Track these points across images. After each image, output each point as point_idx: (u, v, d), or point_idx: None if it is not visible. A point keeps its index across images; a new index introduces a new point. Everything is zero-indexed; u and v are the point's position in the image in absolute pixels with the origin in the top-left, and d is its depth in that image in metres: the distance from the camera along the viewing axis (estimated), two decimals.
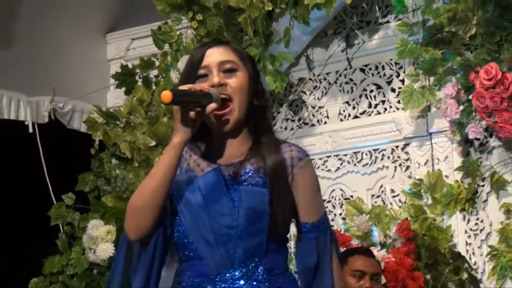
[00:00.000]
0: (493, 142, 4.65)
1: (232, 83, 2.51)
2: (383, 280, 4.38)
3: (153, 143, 5.26)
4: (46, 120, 5.72)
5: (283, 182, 2.50)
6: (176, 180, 2.48)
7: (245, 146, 2.55)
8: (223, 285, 2.44)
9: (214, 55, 2.53)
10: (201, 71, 2.52)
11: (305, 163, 2.54)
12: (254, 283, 2.44)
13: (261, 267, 2.45)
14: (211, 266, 2.45)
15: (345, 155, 5.15)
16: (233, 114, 2.50)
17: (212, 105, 2.44)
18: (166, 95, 2.35)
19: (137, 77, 5.52)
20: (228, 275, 2.44)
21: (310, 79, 5.31)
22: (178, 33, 5.33)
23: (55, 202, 5.54)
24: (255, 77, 2.58)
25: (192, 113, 2.43)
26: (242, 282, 2.44)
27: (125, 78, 5.53)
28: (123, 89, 5.57)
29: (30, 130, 5.62)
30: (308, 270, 2.54)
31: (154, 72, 5.46)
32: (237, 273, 2.44)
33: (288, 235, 2.58)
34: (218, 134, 2.55)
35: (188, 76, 2.54)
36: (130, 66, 5.57)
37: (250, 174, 2.49)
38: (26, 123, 5.60)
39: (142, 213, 2.45)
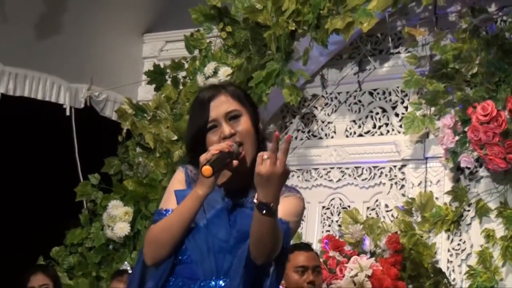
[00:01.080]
0: (482, 172, 4.63)
1: (239, 130, 2.51)
2: (368, 285, 4.39)
3: (175, 137, 5.27)
4: (82, 106, 5.74)
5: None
6: (179, 192, 2.52)
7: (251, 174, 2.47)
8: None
9: (219, 107, 2.51)
10: (210, 124, 2.50)
11: (292, 195, 2.52)
12: None
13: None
14: (199, 271, 2.46)
15: (347, 168, 5.15)
16: (247, 158, 2.50)
17: (235, 162, 2.45)
18: (207, 170, 2.35)
19: (167, 76, 5.53)
20: (212, 283, 2.45)
21: (323, 96, 5.31)
22: (208, 41, 5.35)
23: (82, 180, 5.59)
24: (255, 115, 2.57)
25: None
26: None
27: (156, 76, 5.54)
28: (153, 85, 5.59)
29: (67, 113, 5.64)
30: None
31: (183, 73, 5.46)
32: (221, 283, 2.44)
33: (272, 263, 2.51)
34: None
35: (199, 132, 2.52)
36: (162, 65, 5.58)
37: (250, 201, 2.47)
38: (64, 106, 5.63)
39: (161, 246, 2.47)
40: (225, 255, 2.45)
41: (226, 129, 2.49)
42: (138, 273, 2.56)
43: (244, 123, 2.53)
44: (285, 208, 2.46)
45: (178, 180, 2.60)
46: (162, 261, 2.49)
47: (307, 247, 4.18)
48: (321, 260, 4.34)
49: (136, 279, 2.56)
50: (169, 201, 2.55)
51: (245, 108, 2.55)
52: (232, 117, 2.52)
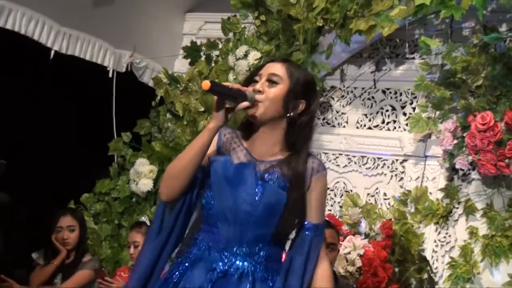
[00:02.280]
0: (474, 175, 4.62)
1: (268, 92, 2.47)
2: (359, 263, 4.41)
3: (202, 109, 5.32)
4: (124, 70, 5.74)
5: (300, 192, 2.47)
6: (214, 160, 2.47)
7: (276, 148, 2.50)
8: (228, 255, 2.43)
9: (270, 68, 2.52)
10: (256, 77, 2.52)
11: (321, 176, 2.51)
12: (253, 262, 2.42)
13: (262, 252, 2.43)
14: (222, 238, 2.43)
15: (354, 156, 5.15)
16: (257, 110, 2.45)
17: (244, 103, 2.42)
18: (206, 83, 2.33)
19: (201, 53, 5.55)
20: (235, 249, 2.42)
21: (340, 89, 5.31)
22: (242, 26, 5.34)
23: (115, 137, 5.63)
24: (296, 95, 2.50)
25: (226, 105, 2.41)
26: (245, 258, 2.42)
27: (192, 52, 5.57)
28: (189, 60, 5.61)
29: (110, 75, 5.64)
30: (296, 262, 2.48)
31: (216, 52, 5.48)
32: (243, 250, 2.42)
33: (289, 237, 2.56)
34: (257, 132, 2.51)
35: (249, 77, 2.56)
36: (198, 43, 5.59)
37: (276, 176, 2.44)
38: (108, 69, 5.63)
39: (176, 178, 2.42)
40: (250, 227, 2.42)
41: (259, 84, 2.49)
42: (158, 220, 2.51)
43: (277, 90, 2.48)
44: (317, 201, 2.50)
45: (213, 143, 2.50)
46: (175, 197, 2.45)
47: (327, 224, 4.14)
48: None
49: (156, 225, 2.50)
50: None
51: (290, 83, 2.50)
52: (271, 80, 2.49)
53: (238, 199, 2.42)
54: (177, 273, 2.46)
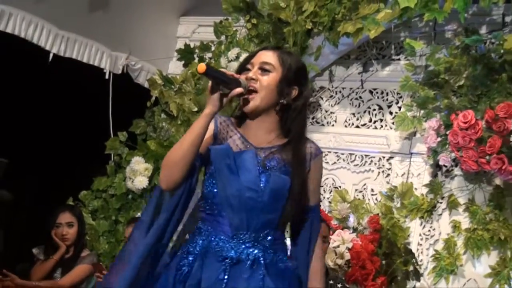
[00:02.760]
0: (457, 171, 4.64)
1: (262, 80, 2.44)
2: (348, 256, 4.40)
3: (196, 109, 5.29)
4: (120, 72, 5.72)
5: (303, 176, 2.45)
6: (214, 149, 2.42)
7: (273, 134, 2.47)
8: (236, 242, 2.38)
9: (261, 56, 2.48)
10: (248, 66, 2.48)
11: (318, 160, 2.52)
12: (262, 247, 2.39)
13: (270, 237, 2.41)
14: (229, 226, 2.39)
15: (342, 154, 5.15)
16: (254, 101, 2.42)
17: (238, 89, 2.38)
18: (202, 66, 2.28)
19: (195, 55, 5.52)
20: (242, 236, 2.39)
21: (329, 89, 5.30)
22: (234, 29, 5.33)
23: (112, 136, 5.62)
24: (289, 81, 2.46)
25: (220, 92, 2.37)
26: (253, 244, 2.39)
27: (186, 54, 5.54)
28: (182, 62, 5.59)
29: (106, 77, 5.63)
30: (303, 242, 2.51)
31: (209, 54, 5.45)
32: (251, 236, 2.39)
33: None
34: (251, 120, 2.47)
35: (240, 66, 2.52)
36: (192, 45, 5.56)
37: (276, 162, 2.42)
38: (105, 71, 5.61)
39: (174, 166, 2.36)
40: (256, 214, 2.39)
41: (252, 72, 2.46)
42: (152, 206, 2.45)
43: (270, 78, 2.45)
44: (315, 184, 2.51)
45: (208, 130, 2.44)
46: (175, 184, 2.38)
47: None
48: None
49: (150, 212, 2.45)
50: None
51: (283, 70, 2.46)
52: (264, 68, 2.46)
53: (242, 187, 2.38)
54: (184, 267, 2.40)
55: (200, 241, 2.42)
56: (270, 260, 2.40)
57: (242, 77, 2.44)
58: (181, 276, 2.39)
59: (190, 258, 2.41)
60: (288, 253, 2.51)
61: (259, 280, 2.37)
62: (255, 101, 2.44)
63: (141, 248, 2.41)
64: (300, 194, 2.44)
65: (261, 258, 2.38)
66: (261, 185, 2.38)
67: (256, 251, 2.39)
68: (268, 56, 2.48)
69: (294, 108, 2.48)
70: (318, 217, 2.56)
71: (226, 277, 2.36)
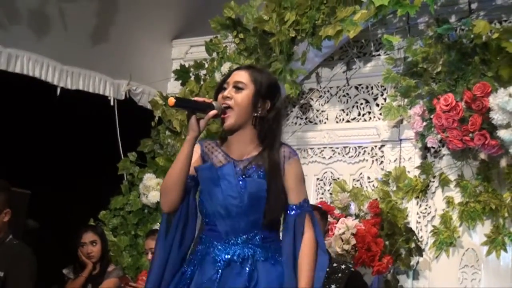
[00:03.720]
0: (444, 151, 4.66)
1: (236, 97, 2.48)
2: (353, 241, 4.41)
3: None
4: (123, 97, 5.75)
5: (278, 177, 2.48)
6: (199, 168, 2.50)
7: (252, 146, 2.52)
8: (228, 245, 2.46)
9: (235, 76, 2.53)
10: (224, 85, 2.53)
11: (292, 161, 2.52)
12: (252, 247, 2.45)
13: (258, 236, 2.46)
14: (221, 232, 2.47)
15: (337, 148, 5.15)
16: (230, 119, 2.48)
17: (212, 112, 2.44)
18: (171, 100, 2.38)
19: (191, 74, 5.55)
20: (233, 239, 2.47)
21: (317, 90, 5.32)
22: (224, 45, 5.36)
23: (122, 158, 5.64)
24: (261, 96, 2.51)
25: (195, 117, 2.44)
26: (244, 245, 2.46)
27: (182, 74, 5.58)
28: (180, 81, 5.62)
29: (111, 104, 5.66)
30: (285, 243, 2.51)
31: (203, 71, 5.48)
32: (240, 239, 2.46)
33: (280, 218, 2.56)
34: (231, 137, 2.54)
35: (218, 87, 2.57)
36: (186, 65, 5.59)
37: (254, 169, 2.47)
38: (109, 98, 5.65)
39: (169, 191, 2.47)
40: (240, 217, 2.46)
41: (226, 91, 2.51)
42: (163, 228, 2.54)
43: (243, 95, 2.50)
44: (292, 184, 2.49)
45: (194, 154, 2.52)
46: (174, 207, 2.47)
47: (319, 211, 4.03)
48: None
49: (162, 231, 2.54)
50: None
51: (255, 87, 2.51)
52: (237, 86, 2.50)
53: (226, 196, 2.46)
54: (189, 270, 2.51)
55: (200, 248, 2.52)
56: (260, 257, 2.45)
57: (215, 101, 2.50)
58: (185, 282, 2.50)
59: (191, 266, 2.52)
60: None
61: (247, 275, 2.43)
62: (230, 119, 2.50)
63: (158, 260, 2.54)
64: (277, 194, 2.47)
65: (250, 257, 2.45)
66: (241, 191, 2.45)
67: (246, 250, 2.45)
68: (241, 76, 2.53)
69: (268, 120, 2.53)
70: (303, 214, 2.52)
71: (218, 276, 2.43)
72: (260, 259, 2.45)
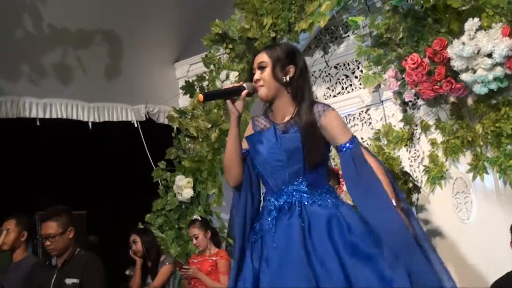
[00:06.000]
0: (420, 102, 4.64)
1: (263, 76, 2.48)
2: None
3: (209, 125, 5.31)
4: (144, 119, 5.78)
5: (311, 129, 2.41)
6: (248, 138, 2.50)
7: (290, 108, 2.48)
8: (278, 196, 2.42)
9: (256, 59, 2.53)
10: (253, 71, 2.53)
11: (327, 113, 2.44)
12: (298, 194, 2.40)
13: (303, 183, 2.41)
14: (272, 186, 2.45)
15: None
16: (261, 92, 2.47)
17: (244, 92, 2.44)
18: (200, 96, 2.41)
19: (195, 87, 5.56)
20: (281, 190, 2.42)
21: None
22: (218, 57, 5.36)
23: (154, 168, 5.64)
24: (282, 65, 2.47)
25: (230, 101, 2.45)
26: (293, 192, 2.41)
27: (189, 88, 5.58)
28: (188, 95, 5.62)
29: (135, 126, 5.70)
30: (351, 174, 2.38)
31: (205, 82, 5.48)
32: (289, 188, 2.41)
33: (324, 161, 2.46)
34: (273, 106, 2.52)
35: (248, 74, 2.57)
36: (190, 81, 5.59)
37: (291, 126, 2.44)
38: (132, 122, 5.68)
39: (229, 169, 2.48)
40: (284, 171, 2.41)
41: (256, 75, 2.51)
42: (235, 198, 2.53)
43: (267, 72, 2.48)
44: (336, 129, 2.39)
45: (248, 129, 2.55)
46: (238, 181, 2.48)
47: (331, 172, 3.88)
48: None
49: (235, 201, 2.53)
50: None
51: (272, 62, 2.48)
52: (260, 67, 2.50)
53: (269, 154, 2.43)
54: (257, 225, 2.48)
55: (264, 204, 2.50)
56: (307, 202, 2.39)
57: (246, 83, 2.50)
58: (256, 235, 2.47)
59: (259, 218, 2.49)
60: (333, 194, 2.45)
61: (297, 216, 2.36)
62: (262, 91, 2.49)
63: (238, 220, 2.51)
64: (314, 143, 2.39)
65: (297, 203, 2.38)
66: (280, 147, 2.41)
67: (293, 197, 2.40)
68: (260, 57, 2.52)
69: (296, 80, 2.50)
70: (357, 146, 2.41)
71: (273, 224, 2.39)
72: (308, 204, 2.38)
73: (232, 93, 2.46)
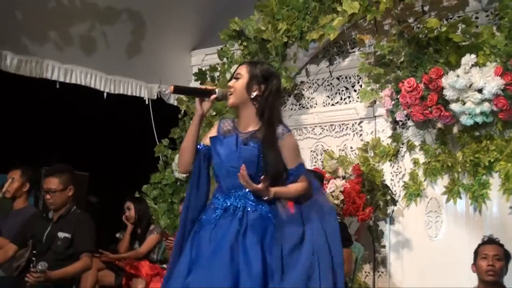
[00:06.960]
0: (409, 123, 4.63)
1: (235, 85, 2.47)
2: (341, 197, 4.37)
3: (214, 113, 5.28)
4: (155, 97, 5.76)
5: (270, 146, 2.42)
6: (212, 139, 2.50)
7: (254, 120, 2.48)
8: (226, 198, 2.44)
9: (237, 69, 2.53)
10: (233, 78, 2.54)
11: (285, 137, 2.45)
12: (245, 200, 2.42)
13: (250, 193, 2.41)
14: (224, 187, 2.46)
15: (325, 126, 5.13)
16: (230, 100, 2.46)
17: (212, 96, 2.45)
18: (171, 87, 2.41)
19: (207, 76, 5.54)
20: (231, 193, 2.44)
21: (307, 82, 5.28)
22: (232, 52, 5.36)
23: (158, 143, 5.66)
24: (256, 82, 2.47)
25: (199, 100, 2.47)
26: (240, 198, 2.42)
27: (200, 76, 5.56)
28: (199, 82, 5.56)
29: (146, 103, 5.68)
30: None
31: (217, 73, 5.48)
32: (238, 193, 2.43)
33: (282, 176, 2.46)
34: (239, 114, 2.52)
35: (229, 80, 2.56)
36: (203, 69, 5.58)
37: (252, 140, 2.44)
38: (144, 98, 5.66)
39: (182, 157, 2.49)
40: (236, 177, 2.40)
41: (230, 82, 2.52)
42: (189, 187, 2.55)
43: (239, 83, 2.48)
44: (287, 154, 2.42)
45: (212, 130, 2.55)
46: (186, 167, 2.48)
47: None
48: None
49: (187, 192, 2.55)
50: (204, 140, 2.55)
51: (248, 75, 2.48)
52: (236, 77, 2.50)
53: (227, 159, 2.45)
54: (203, 215, 2.48)
55: (212, 199, 2.51)
56: (251, 208, 2.41)
57: (219, 88, 2.51)
58: (199, 225, 2.48)
59: (206, 210, 2.50)
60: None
61: (238, 219, 2.39)
62: (230, 100, 2.50)
63: (184, 212, 2.54)
64: (271, 158, 2.41)
65: (241, 208, 2.41)
66: (238, 155, 2.42)
67: (239, 202, 2.42)
68: (240, 69, 2.53)
69: (263, 99, 2.49)
70: (299, 175, 2.46)
71: (215, 219, 2.42)
72: (251, 210, 2.40)
73: (202, 94, 2.46)
